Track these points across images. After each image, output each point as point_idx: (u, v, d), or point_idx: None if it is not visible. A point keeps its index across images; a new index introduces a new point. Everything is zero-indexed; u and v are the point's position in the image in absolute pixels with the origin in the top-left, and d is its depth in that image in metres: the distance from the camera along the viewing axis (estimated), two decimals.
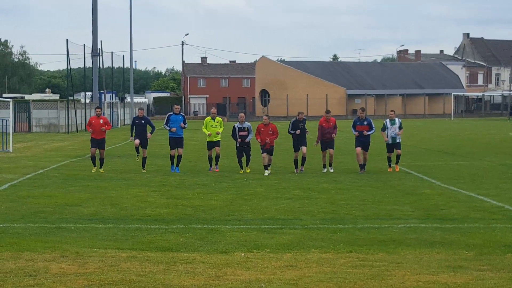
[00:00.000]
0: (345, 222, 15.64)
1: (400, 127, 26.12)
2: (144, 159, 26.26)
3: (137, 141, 26.26)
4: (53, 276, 10.40)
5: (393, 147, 26.15)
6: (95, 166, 26.24)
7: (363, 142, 25.74)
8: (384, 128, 26.14)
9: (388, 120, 26.22)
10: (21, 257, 11.82)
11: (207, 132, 26.25)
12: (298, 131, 25.39)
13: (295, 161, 25.86)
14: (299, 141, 25.67)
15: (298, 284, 9.91)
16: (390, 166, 26.40)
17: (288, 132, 25.89)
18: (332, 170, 25.94)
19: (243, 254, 12.16)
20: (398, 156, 26.24)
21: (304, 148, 25.69)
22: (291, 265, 11.27)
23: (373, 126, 25.86)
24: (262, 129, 25.43)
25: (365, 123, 25.79)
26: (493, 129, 65.87)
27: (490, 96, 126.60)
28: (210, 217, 16.25)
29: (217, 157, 26.37)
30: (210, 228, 14.81)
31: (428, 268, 11.06)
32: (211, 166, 26.41)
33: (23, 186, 22.29)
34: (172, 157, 26.28)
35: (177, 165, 26.13)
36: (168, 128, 26.00)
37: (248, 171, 25.58)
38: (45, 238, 13.58)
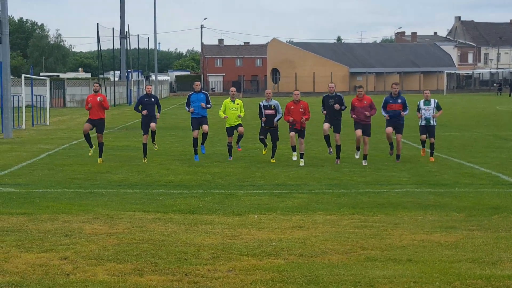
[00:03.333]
0: (348, 187, 15.63)
1: (438, 108, 20.36)
2: (153, 132, 20.74)
3: (145, 137, 20.51)
4: (87, 235, 10.44)
5: (426, 130, 20.40)
6: (91, 146, 20.78)
7: (396, 123, 19.85)
8: (418, 109, 20.40)
9: (422, 101, 20.36)
10: (58, 218, 11.87)
11: (223, 115, 20.36)
12: (324, 112, 19.60)
13: (326, 137, 19.92)
14: (331, 123, 19.66)
15: (305, 242, 9.91)
16: (423, 147, 20.85)
17: (322, 112, 19.83)
18: (366, 164, 19.43)
19: (256, 216, 12.18)
20: (432, 145, 20.48)
21: (337, 136, 19.63)
22: (299, 226, 11.27)
23: (407, 106, 19.94)
24: (292, 107, 19.31)
25: (399, 101, 19.79)
26: (482, 103, 65.52)
27: (479, 73, 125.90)
28: (226, 183, 16.26)
29: (240, 136, 20.58)
30: (227, 192, 14.83)
31: (423, 228, 11.05)
32: (230, 155, 20.68)
33: (59, 155, 22.36)
34: (195, 140, 20.63)
35: (202, 143, 20.88)
36: (188, 109, 20.48)
37: (273, 161, 19.96)
38: (79, 202, 13.64)
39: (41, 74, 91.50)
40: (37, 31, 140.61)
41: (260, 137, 20.11)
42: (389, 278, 8.06)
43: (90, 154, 20.83)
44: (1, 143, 26.58)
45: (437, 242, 9.98)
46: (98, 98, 20.23)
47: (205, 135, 20.75)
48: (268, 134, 19.98)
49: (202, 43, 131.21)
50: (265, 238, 10.27)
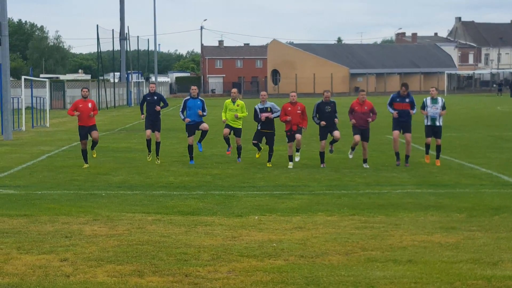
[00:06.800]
0: (349, 188, 15.63)
1: (443, 108, 19.32)
2: (157, 144, 20.35)
3: (148, 132, 20.21)
4: (87, 237, 10.45)
5: (432, 132, 19.46)
6: (86, 163, 19.48)
7: (404, 123, 19.29)
8: (424, 107, 19.41)
9: (429, 99, 19.37)
10: (58, 220, 11.88)
11: (224, 118, 20.10)
12: (323, 123, 18.77)
13: (321, 154, 19.21)
14: (327, 128, 18.96)
15: (306, 244, 9.92)
16: (427, 153, 19.82)
17: (313, 118, 19.18)
18: (367, 166, 19.09)
19: (256, 217, 12.18)
20: (438, 147, 19.52)
21: (336, 133, 18.99)
22: (299, 227, 11.28)
23: (415, 105, 19.32)
24: (289, 108, 18.88)
25: (407, 100, 19.19)
26: (483, 104, 65.55)
27: (480, 74, 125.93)
28: (227, 184, 16.27)
29: (239, 148, 20.35)
30: (227, 194, 14.83)
31: (423, 229, 11.05)
32: (229, 145, 20.58)
33: (59, 157, 22.37)
34: (190, 147, 20.19)
35: (200, 141, 20.47)
36: (183, 118, 20.10)
37: (270, 165, 19.41)
38: (79, 204, 13.65)
39: (41, 75, 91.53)
40: (36, 33, 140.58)
41: (254, 142, 19.78)
42: (389, 279, 8.06)
43: (84, 167, 19.28)
44: (1, 145, 26.61)
45: (438, 242, 9.98)
46: (89, 105, 19.44)
47: (204, 132, 20.17)
48: (264, 138, 19.63)
49: (202, 44, 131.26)
50: (265, 239, 10.28)
